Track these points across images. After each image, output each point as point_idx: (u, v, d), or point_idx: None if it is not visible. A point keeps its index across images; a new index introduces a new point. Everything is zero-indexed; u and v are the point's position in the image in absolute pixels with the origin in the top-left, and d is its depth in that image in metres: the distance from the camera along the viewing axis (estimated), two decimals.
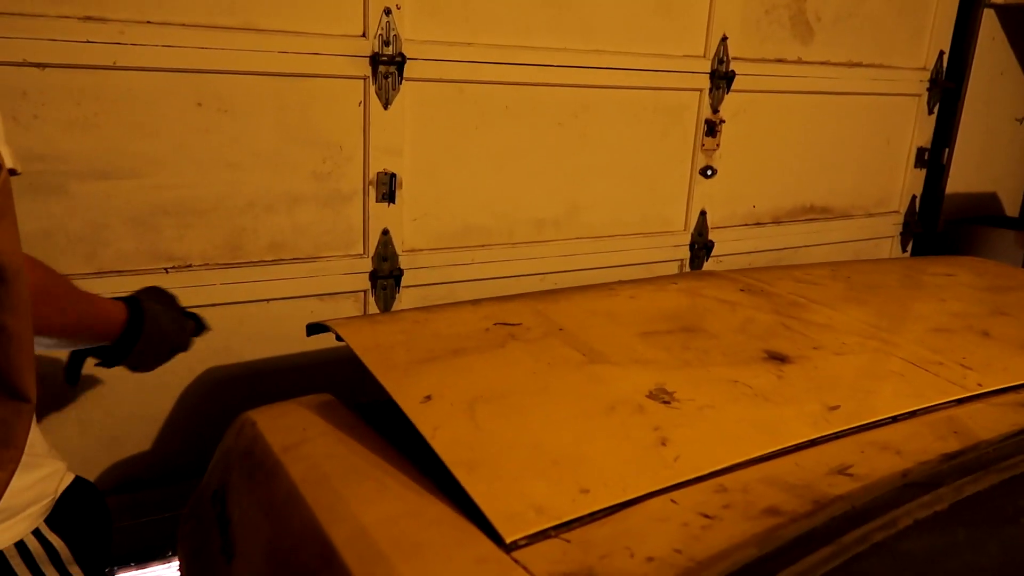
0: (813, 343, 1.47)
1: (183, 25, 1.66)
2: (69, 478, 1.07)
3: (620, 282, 1.85)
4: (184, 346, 1.26)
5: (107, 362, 1.13)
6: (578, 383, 1.24)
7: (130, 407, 1.77)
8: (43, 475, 1.02)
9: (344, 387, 1.51)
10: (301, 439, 1.12)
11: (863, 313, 1.66)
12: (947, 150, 2.95)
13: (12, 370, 0.72)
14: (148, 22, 1.62)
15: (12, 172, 0.83)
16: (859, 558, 0.72)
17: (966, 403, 1.26)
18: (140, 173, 1.68)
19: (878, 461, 0.98)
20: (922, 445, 1.03)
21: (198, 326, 1.32)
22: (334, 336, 1.39)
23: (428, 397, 1.15)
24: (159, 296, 1.26)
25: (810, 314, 1.63)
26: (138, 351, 1.12)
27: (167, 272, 1.74)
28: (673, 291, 1.78)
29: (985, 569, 0.75)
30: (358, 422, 1.19)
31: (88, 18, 1.57)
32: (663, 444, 1.07)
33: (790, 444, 1.09)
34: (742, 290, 1.77)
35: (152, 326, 1.14)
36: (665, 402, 1.19)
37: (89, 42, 1.57)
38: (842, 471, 0.95)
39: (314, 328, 1.44)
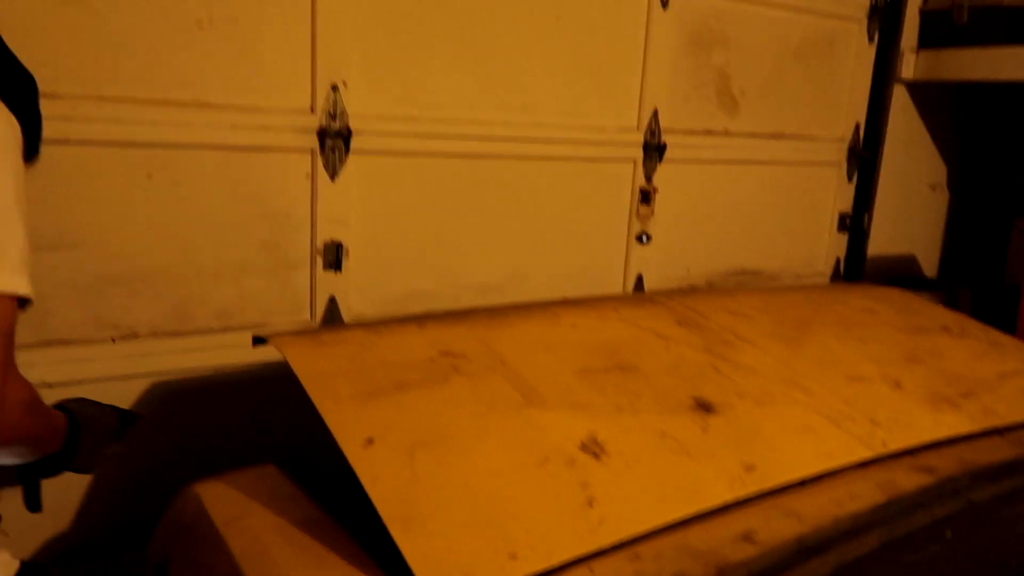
0: (738, 389, 1.55)
1: (135, 100, 1.72)
2: (15, 567, 1.09)
3: (565, 302, 1.89)
4: (119, 440, 1.30)
5: (53, 471, 1.18)
6: (515, 428, 1.29)
7: (73, 476, 1.77)
8: None
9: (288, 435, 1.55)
10: (243, 512, 1.17)
11: (787, 355, 1.74)
12: (867, 215, 3.14)
13: None
14: (100, 97, 1.68)
15: (25, 300, 0.90)
16: None
17: (870, 465, 1.37)
18: (88, 243, 1.72)
19: (780, 526, 1.07)
20: (820, 510, 1.13)
21: (130, 419, 1.36)
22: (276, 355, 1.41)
23: (370, 440, 1.18)
24: (86, 403, 1.30)
25: (738, 354, 1.70)
26: (81, 456, 1.18)
27: (113, 341, 1.77)
28: (613, 320, 1.80)
29: None
30: (298, 492, 1.24)
31: (41, 94, 1.62)
32: (590, 504, 1.15)
33: (705, 508, 1.17)
34: (678, 323, 1.82)
35: (88, 430, 1.19)
36: (595, 454, 1.25)
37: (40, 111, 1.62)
38: (747, 537, 1.04)
39: (259, 340, 1.46)
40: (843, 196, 3.13)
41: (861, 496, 1.20)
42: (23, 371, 1.03)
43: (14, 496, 1.70)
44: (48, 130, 1.61)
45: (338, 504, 1.20)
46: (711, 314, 1.91)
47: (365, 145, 2.00)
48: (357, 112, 1.98)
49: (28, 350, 1.64)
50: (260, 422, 1.96)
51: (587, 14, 2.30)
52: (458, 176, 2.18)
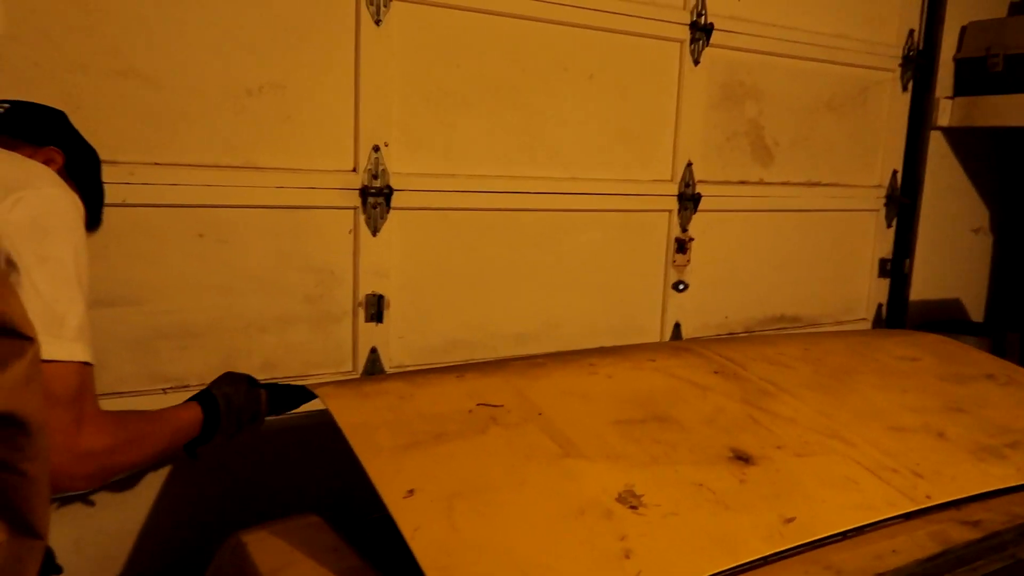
0: (777, 441, 1.53)
1: (188, 165, 1.82)
2: None
3: (601, 351, 1.90)
4: (258, 416, 1.50)
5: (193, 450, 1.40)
6: (552, 479, 1.30)
7: (123, 523, 1.83)
8: None
9: (332, 493, 1.58)
10: (287, 562, 1.20)
11: (827, 405, 1.72)
12: (908, 260, 3.11)
13: (29, 511, 0.81)
14: (156, 163, 1.78)
15: (87, 366, 1.00)
16: None
17: (912, 518, 1.35)
18: (141, 300, 1.80)
19: None
20: (861, 564, 1.11)
21: (271, 396, 1.56)
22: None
23: (411, 492, 1.21)
24: (231, 379, 1.50)
25: (777, 405, 1.69)
26: (219, 435, 1.39)
27: (164, 392, 1.84)
28: (649, 370, 1.80)
29: None
30: (341, 543, 1.27)
31: (102, 161, 1.72)
32: (627, 557, 1.15)
33: (743, 562, 1.16)
34: (716, 372, 1.81)
35: (227, 412, 1.40)
36: (632, 507, 1.25)
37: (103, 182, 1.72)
38: None
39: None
40: (883, 242, 3.11)
41: (903, 551, 1.18)
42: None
43: (71, 541, 1.77)
44: (108, 194, 1.72)
45: (376, 553, 1.22)
46: (748, 363, 1.90)
47: (405, 202, 2.07)
48: (397, 171, 2.06)
49: None
50: (302, 471, 1.99)
51: (620, 72, 2.37)
52: (495, 229, 2.23)
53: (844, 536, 1.26)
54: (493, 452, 1.36)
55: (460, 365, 1.73)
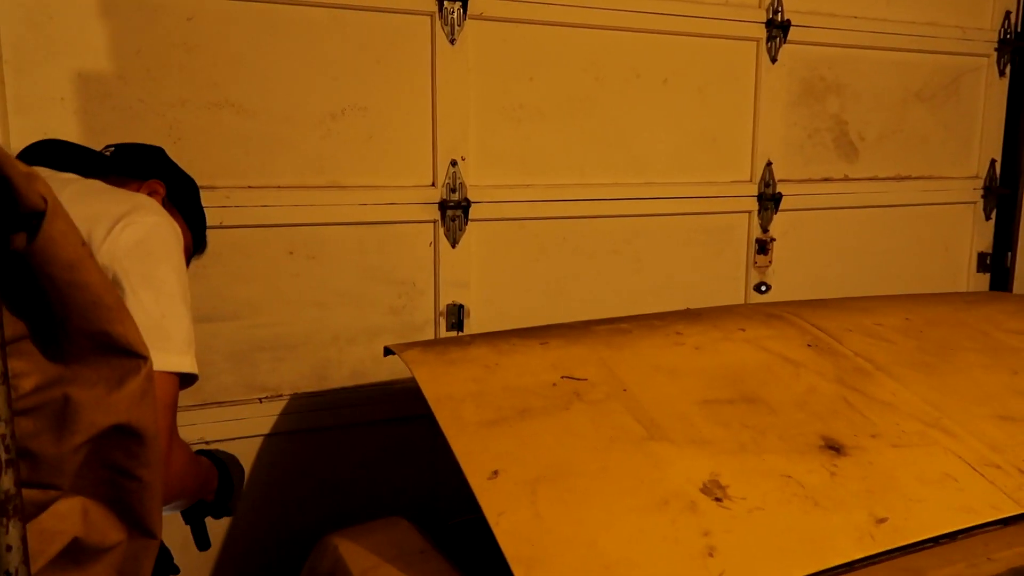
0: (872, 429, 1.45)
1: (278, 187, 1.92)
2: None
3: (688, 316, 1.83)
4: (242, 482, 1.42)
5: (214, 513, 1.32)
6: (636, 465, 1.28)
7: (219, 524, 1.95)
8: None
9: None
10: (377, 563, 1.26)
11: (928, 388, 1.61)
12: (1009, 254, 2.95)
13: (145, 513, 0.89)
14: (249, 187, 1.89)
15: (192, 377, 1.07)
16: None
17: (1012, 523, 1.28)
18: (239, 315, 1.92)
19: None
20: (953, 572, 1.08)
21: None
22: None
23: (495, 473, 1.21)
24: (217, 452, 1.41)
25: (874, 387, 1.59)
26: (235, 495, 1.32)
27: (260, 402, 1.95)
28: (739, 341, 1.71)
29: None
30: (428, 546, 1.32)
31: (201, 187, 1.84)
32: (710, 555, 1.13)
33: (830, 566, 1.14)
34: (809, 345, 1.72)
35: (235, 474, 1.33)
36: (717, 499, 1.22)
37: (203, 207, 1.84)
38: None
39: (388, 352, 1.58)
40: (981, 236, 2.96)
41: (1001, 559, 1.14)
42: (183, 430, 1.19)
43: (177, 547, 1.89)
44: (207, 218, 1.84)
45: (458, 557, 1.26)
46: (844, 335, 1.77)
47: (483, 214, 2.12)
48: (475, 184, 2.11)
49: (188, 411, 1.83)
50: (387, 474, 2.07)
51: (695, 74, 2.36)
52: (572, 237, 2.26)
53: (937, 541, 1.21)
54: (577, 432, 1.34)
55: (543, 328, 1.70)
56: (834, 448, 1.40)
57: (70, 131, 1.69)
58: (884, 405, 1.54)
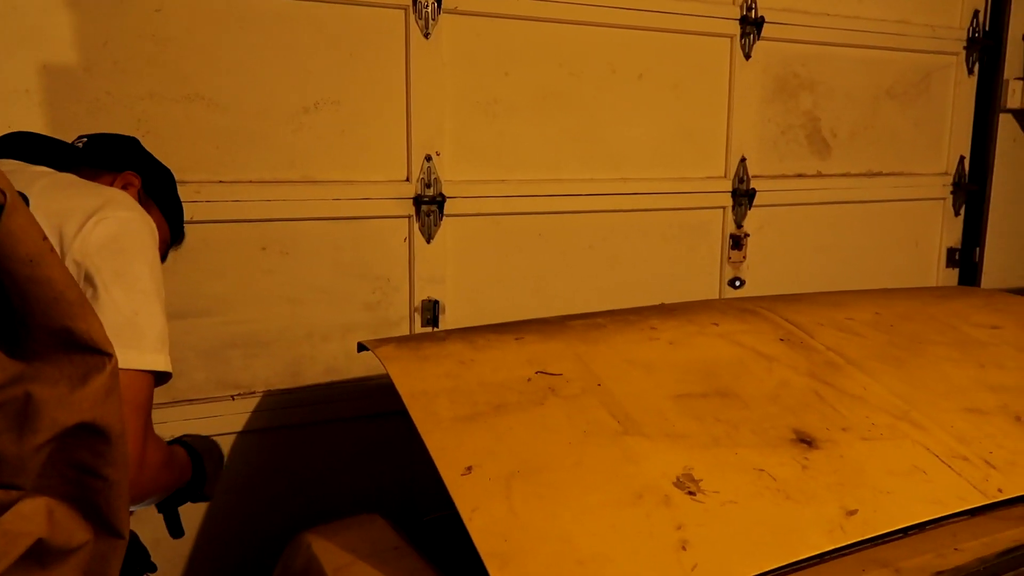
0: (843, 422, 1.47)
1: (250, 182, 1.90)
2: None
3: (662, 311, 1.84)
4: (221, 466, 1.41)
5: (188, 499, 1.31)
6: (610, 460, 1.28)
7: (191, 523, 1.92)
8: None
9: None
10: (350, 560, 1.25)
11: (897, 381, 1.64)
12: (978, 249, 3.00)
13: (112, 512, 0.87)
14: (220, 181, 1.87)
15: (166, 375, 1.04)
16: None
17: (979, 514, 1.31)
18: (211, 311, 1.89)
19: None
20: (922, 563, 1.09)
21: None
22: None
23: (469, 469, 1.21)
24: (195, 437, 1.40)
25: (845, 380, 1.62)
26: (209, 482, 1.29)
27: (232, 399, 1.92)
28: (713, 336, 1.73)
29: None
30: (402, 543, 1.31)
31: None
32: (683, 548, 1.14)
33: (802, 557, 1.15)
34: (781, 340, 1.74)
35: (208, 458, 1.32)
36: (690, 493, 1.23)
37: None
38: None
39: (362, 347, 1.55)
40: (950, 231, 3.01)
41: (968, 549, 1.15)
42: (155, 429, 1.17)
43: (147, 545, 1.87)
44: None
45: (433, 553, 1.26)
46: (816, 330, 1.80)
47: (458, 209, 2.11)
48: (450, 178, 2.10)
49: (160, 409, 1.80)
50: (362, 471, 2.06)
51: (669, 70, 2.36)
52: (547, 232, 2.26)
53: (906, 532, 1.23)
54: (552, 427, 1.34)
55: (518, 324, 1.70)
56: (806, 441, 1.41)
57: (36, 124, 1.66)
58: (855, 399, 1.56)
